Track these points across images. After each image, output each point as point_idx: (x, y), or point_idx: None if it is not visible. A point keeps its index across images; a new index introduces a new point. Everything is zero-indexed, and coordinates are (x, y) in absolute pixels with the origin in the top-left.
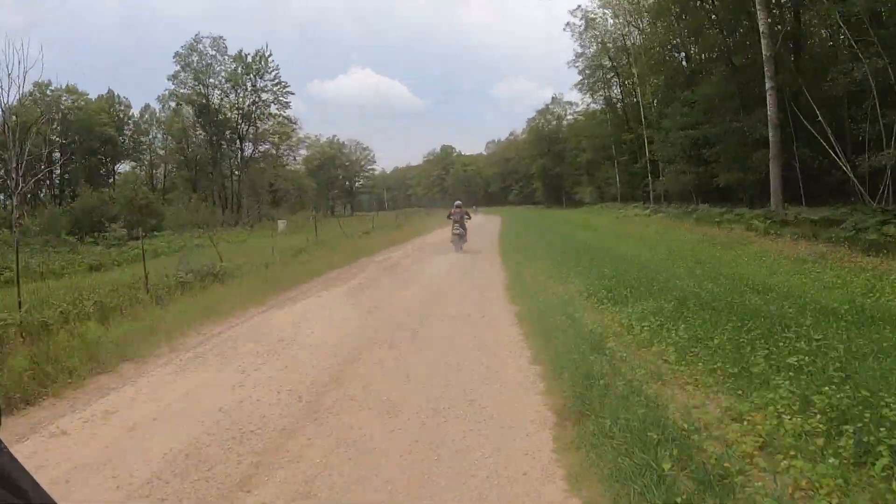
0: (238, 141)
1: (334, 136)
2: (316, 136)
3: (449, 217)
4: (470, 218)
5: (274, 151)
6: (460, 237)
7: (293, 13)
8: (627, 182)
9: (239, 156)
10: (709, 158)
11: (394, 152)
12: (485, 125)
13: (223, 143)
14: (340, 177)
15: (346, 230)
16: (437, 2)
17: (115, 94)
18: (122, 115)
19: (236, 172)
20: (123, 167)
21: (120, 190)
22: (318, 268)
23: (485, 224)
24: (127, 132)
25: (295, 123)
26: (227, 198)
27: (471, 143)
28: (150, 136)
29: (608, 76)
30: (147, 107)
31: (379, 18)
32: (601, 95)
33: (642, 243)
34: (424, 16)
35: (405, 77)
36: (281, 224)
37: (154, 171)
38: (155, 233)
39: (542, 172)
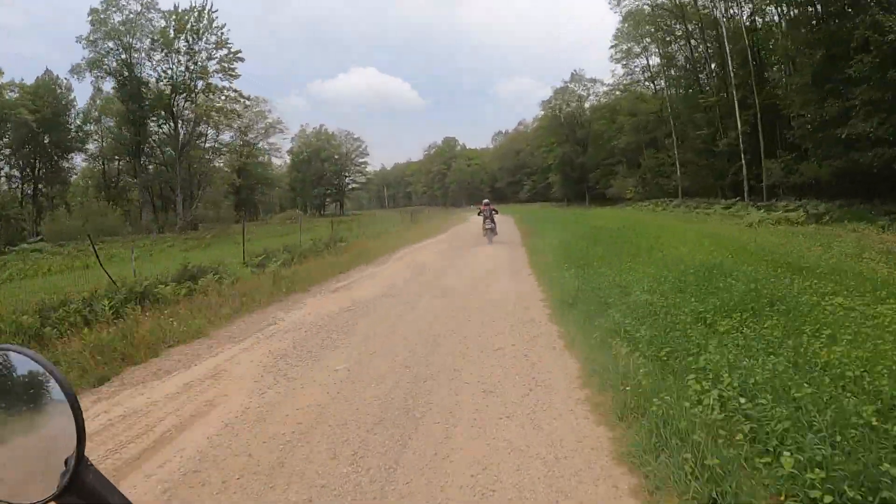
0: (171, 121)
1: (321, 125)
2: (302, 125)
3: (479, 213)
4: (497, 213)
5: (239, 140)
6: (491, 230)
7: (294, 13)
8: (699, 169)
9: (174, 139)
10: None
11: (396, 151)
12: (486, 124)
13: (151, 122)
14: (328, 172)
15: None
16: (437, 1)
17: (55, 75)
18: (62, 101)
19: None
20: (79, 162)
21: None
22: None
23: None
24: (67, 119)
25: (248, 99)
26: (177, 197)
27: (473, 143)
28: (101, 125)
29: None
30: (99, 91)
31: (380, 18)
32: (655, 49)
33: None
34: (425, 15)
35: (406, 76)
36: None
37: (109, 165)
38: (24, 245)
39: (562, 163)
